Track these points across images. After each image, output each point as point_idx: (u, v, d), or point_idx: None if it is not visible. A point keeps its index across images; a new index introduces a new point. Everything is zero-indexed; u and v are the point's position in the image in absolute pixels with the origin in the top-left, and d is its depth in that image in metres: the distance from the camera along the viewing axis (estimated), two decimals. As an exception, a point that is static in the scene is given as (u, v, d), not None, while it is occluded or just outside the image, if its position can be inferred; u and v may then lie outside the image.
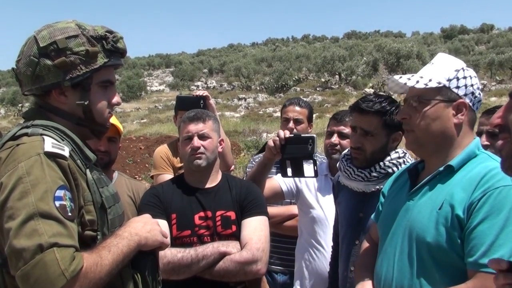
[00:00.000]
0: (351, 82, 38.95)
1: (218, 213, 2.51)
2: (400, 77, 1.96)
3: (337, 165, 2.69)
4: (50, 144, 1.59)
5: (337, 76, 41.49)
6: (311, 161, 2.56)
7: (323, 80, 41.49)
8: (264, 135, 17.26)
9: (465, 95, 1.88)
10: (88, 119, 1.80)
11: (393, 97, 2.69)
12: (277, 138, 2.60)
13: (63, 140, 1.68)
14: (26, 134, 1.63)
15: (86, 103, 1.76)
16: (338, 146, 2.98)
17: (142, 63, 77.74)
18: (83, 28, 1.75)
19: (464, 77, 1.89)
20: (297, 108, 3.60)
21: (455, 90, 1.87)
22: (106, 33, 1.78)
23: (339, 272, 2.63)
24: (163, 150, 3.79)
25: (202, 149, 2.53)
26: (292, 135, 2.64)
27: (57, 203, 1.49)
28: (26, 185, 1.48)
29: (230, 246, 2.40)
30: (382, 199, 2.23)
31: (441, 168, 1.87)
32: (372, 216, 2.31)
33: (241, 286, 2.46)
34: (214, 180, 2.62)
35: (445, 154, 1.90)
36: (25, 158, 1.53)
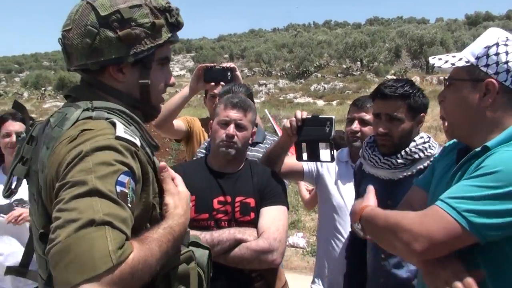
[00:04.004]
0: (373, 68, 38.51)
1: (238, 199, 2.49)
2: (433, 58, 1.86)
3: (360, 153, 2.64)
4: (122, 129, 1.40)
5: (358, 63, 41.06)
6: (328, 144, 2.46)
7: (344, 66, 41.11)
8: (285, 121, 17.18)
9: (496, 73, 1.68)
10: (144, 100, 1.62)
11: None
12: (294, 119, 2.53)
13: (130, 125, 1.52)
14: (90, 118, 1.45)
15: (148, 82, 1.59)
16: (359, 133, 2.91)
17: (163, 48, 77.72)
18: None
19: (497, 54, 1.69)
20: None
21: (484, 69, 1.70)
22: (169, 5, 1.60)
23: (368, 261, 2.61)
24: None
25: (235, 139, 2.50)
26: (310, 116, 2.54)
27: (119, 188, 1.28)
28: (87, 163, 1.28)
29: (246, 234, 2.38)
30: (432, 169, 2.08)
31: (478, 149, 1.71)
32: (418, 181, 2.17)
33: (256, 273, 2.44)
34: (237, 165, 2.60)
35: (482, 138, 1.73)
36: (92, 141, 1.34)
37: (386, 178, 2.49)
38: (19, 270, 1.74)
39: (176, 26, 1.62)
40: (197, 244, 1.68)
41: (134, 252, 1.21)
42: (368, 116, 2.88)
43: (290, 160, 2.87)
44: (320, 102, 25.13)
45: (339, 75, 37.69)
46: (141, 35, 1.52)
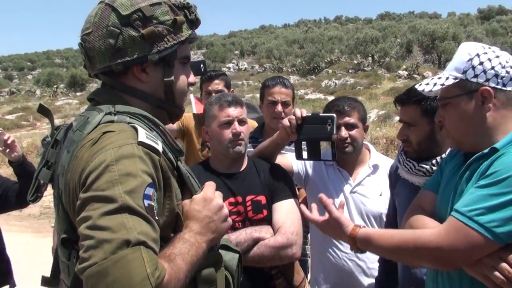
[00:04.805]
0: (384, 64, 38.39)
1: (248, 197, 2.47)
2: (420, 85, 1.93)
3: (396, 158, 2.60)
4: (144, 134, 1.38)
5: (370, 58, 40.93)
6: (329, 143, 2.42)
7: (355, 62, 41.01)
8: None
9: (487, 80, 1.77)
10: (169, 100, 1.60)
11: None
12: (293, 117, 2.45)
13: (152, 131, 1.47)
14: (111, 122, 1.43)
15: (173, 79, 1.57)
16: (348, 139, 2.81)
17: (174, 44, 77.90)
18: None
19: (481, 63, 1.78)
20: (284, 89, 3.38)
21: (474, 80, 1.78)
22: (188, 2, 1.60)
23: (399, 266, 2.59)
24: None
25: (242, 135, 2.48)
26: (310, 114, 2.47)
27: (146, 202, 1.26)
28: (113, 174, 1.25)
29: (263, 232, 2.37)
30: (441, 171, 2.12)
31: (486, 150, 1.77)
32: (427, 184, 2.17)
33: (275, 270, 2.43)
34: (242, 164, 2.58)
35: (488, 141, 1.80)
36: (114, 146, 1.31)
37: (420, 185, 2.39)
38: (51, 281, 1.68)
39: (194, 23, 1.61)
40: (227, 248, 1.67)
41: (167, 272, 1.21)
42: (353, 120, 2.80)
43: (280, 159, 2.81)
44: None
45: (350, 71, 37.59)
46: (164, 33, 1.50)
